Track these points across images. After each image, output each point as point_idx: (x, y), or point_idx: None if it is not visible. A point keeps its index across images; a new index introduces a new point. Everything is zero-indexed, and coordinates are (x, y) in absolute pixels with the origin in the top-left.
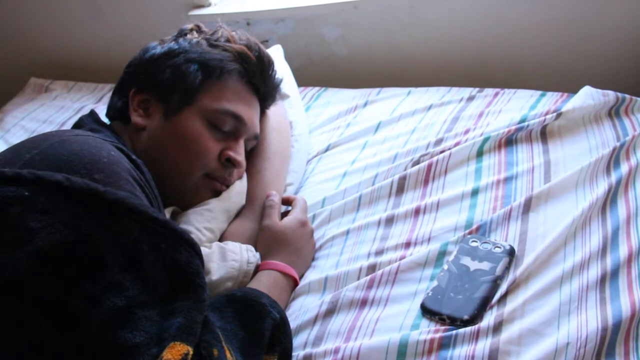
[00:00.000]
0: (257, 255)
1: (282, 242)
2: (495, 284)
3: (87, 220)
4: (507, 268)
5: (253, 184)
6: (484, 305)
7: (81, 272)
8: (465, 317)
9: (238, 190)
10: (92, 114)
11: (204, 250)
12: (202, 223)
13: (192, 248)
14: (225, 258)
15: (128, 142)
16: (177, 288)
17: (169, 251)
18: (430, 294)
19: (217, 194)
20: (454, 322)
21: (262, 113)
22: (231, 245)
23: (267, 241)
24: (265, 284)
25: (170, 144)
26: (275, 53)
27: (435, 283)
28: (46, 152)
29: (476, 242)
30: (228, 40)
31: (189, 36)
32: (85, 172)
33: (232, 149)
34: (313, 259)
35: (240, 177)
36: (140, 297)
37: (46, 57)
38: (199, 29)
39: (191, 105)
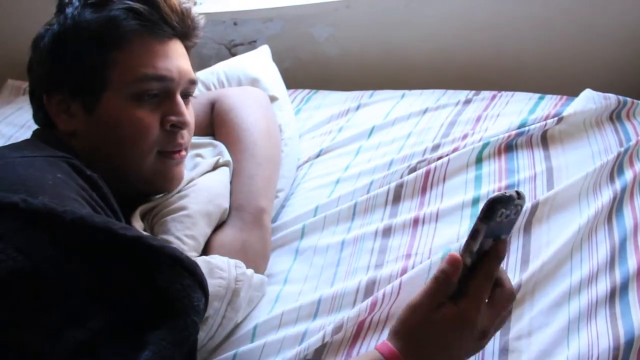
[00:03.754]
0: (248, 271)
1: (425, 337)
2: None
3: (45, 244)
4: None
5: (244, 191)
6: None
7: (38, 303)
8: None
9: (218, 192)
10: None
11: None
12: (182, 231)
13: (176, 264)
14: (212, 275)
15: (71, 151)
16: (156, 313)
17: (144, 271)
18: None
19: (180, 165)
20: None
21: (190, 45)
22: (219, 261)
23: (412, 326)
24: None
25: (107, 138)
26: (263, 54)
27: None
28: None
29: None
30: None
31: (69, 9)
32: (28, 195)
33: (172, 112)
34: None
35: (191, 134)
36: (107, 329)
37: (24, 58)
38: None
39: (107, 89)
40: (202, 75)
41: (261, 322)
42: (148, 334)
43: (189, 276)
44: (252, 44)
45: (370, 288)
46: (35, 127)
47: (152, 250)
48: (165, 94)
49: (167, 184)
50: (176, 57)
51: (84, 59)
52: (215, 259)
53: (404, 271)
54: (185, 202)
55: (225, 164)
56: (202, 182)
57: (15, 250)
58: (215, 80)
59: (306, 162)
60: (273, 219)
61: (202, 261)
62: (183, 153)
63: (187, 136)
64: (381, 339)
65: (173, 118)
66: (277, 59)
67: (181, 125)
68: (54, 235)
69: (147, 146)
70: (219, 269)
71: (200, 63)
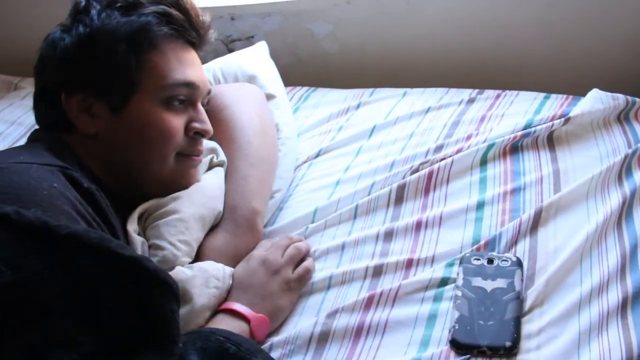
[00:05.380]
0: None
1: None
2: (520, 300)
3: (36, 259)
4: (521, 280)
5: (237, 192)
6: (519, 325)
7: (23, 322)
8: (508, 343)
9: (212, 194)
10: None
11: (184, 273)
12: (175, 236)
13: (168, 289)
14: (208, 285)
15: (85, 155)
16: (145, 338)
17: (136, 294)
18: (457, 327)
19: (196, 168)
20: (497, 352)
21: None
22: (214, 270)
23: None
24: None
25: (132, 140)
26: (260, 50)
27: (456, 313)
28: None
29: (479, 259)
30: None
31: (92, 11)
32: (20, 205)
33: (196, 119)
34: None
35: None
36: (96, 351)
37: (15, 53)
38: None
39: (137, 92)
40: None
41: None
42: (137, 359)
43: (176, 302)
44: (249, 40)
45: (370, 295)
46: (29, 124)
47: (147, 273)
48: (189, 101)
49: (183, 184)
50: (198, 65)
51: (114, 61)
52: (210, 266)
53: (405, 277)
54: (179, 205)
55: (220, 164)
56: (196, 183)
57: (5, 264)
58: (211, 77)
59: (305, 162)
60: (271, 221)
61: (198, 269)
62: (200, 158)
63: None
64: (383, 339)
65: (197, 125)
66: (275, 55)
67: (204, 133)
68: (46, 250)
69: (171, 149)
70: (215, 279)
71: None
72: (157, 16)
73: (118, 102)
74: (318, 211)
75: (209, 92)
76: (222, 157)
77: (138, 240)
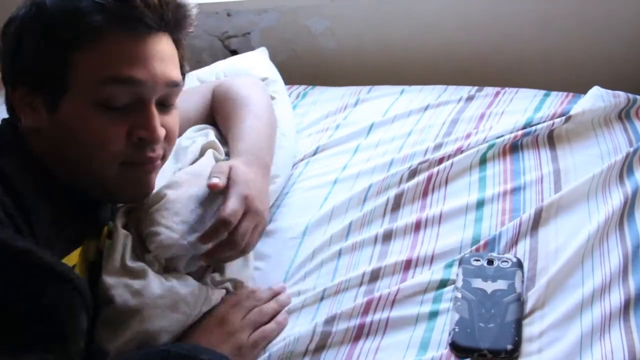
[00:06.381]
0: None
1: None
2: (521, 302)
3: None
4: (522, 282)
5: (245, 140)
6: (520, 328)
7: None
8: (509, 347)
9: (204, 173)
10: (6, 119)
11: (152, 291)
12: (169, 218)
13: (65, 283)
14: (175, 308)
15: (38, 148)
16: (37, 334)
17: (28, 287)
18: (457, 330)
19: (150, 174)
20: (498, 355)
21: (179, 37)
22: (188, 295)
23: None
24: None
25: (67, 141)
26: (261, 55)
27: (456, 315)
28: None
29: (479, 260)
30: None
31: None
32: None
33: (141, 125)
34: None
35: (172, 143)
36: None
37: None
38: None
39: (68, 91)
40: (200, 74)
41: None
42: (25, 356)
43: (79, 298)
44: (245, 36)
45: (369, 299)
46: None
47: (41, 265)
48: (137, 101)
49: (133, 193)
50: (152, 57)
51: (41, 56)
52: (186, 289)
53: (404, 279)
54: (167, 189)
55: (211, 146)
56: (187, 168)
57: None
58: (214, 80)
59: (302, 160)
60: (268, 219)
61: (168, 290)
62: (158, 163)
63: (163, 148)
64: (382, 343)
65: (142, 132)
66: (272, 52)
67: (151, 141)
68: None
69: (109, 157)
70: (185, 304)
71: (192, 56)
72: (91, 4)
73: (50, 100)
74: (312, 219)
75: (175, 85)
76: (212, 137)
77: (122, 234)
